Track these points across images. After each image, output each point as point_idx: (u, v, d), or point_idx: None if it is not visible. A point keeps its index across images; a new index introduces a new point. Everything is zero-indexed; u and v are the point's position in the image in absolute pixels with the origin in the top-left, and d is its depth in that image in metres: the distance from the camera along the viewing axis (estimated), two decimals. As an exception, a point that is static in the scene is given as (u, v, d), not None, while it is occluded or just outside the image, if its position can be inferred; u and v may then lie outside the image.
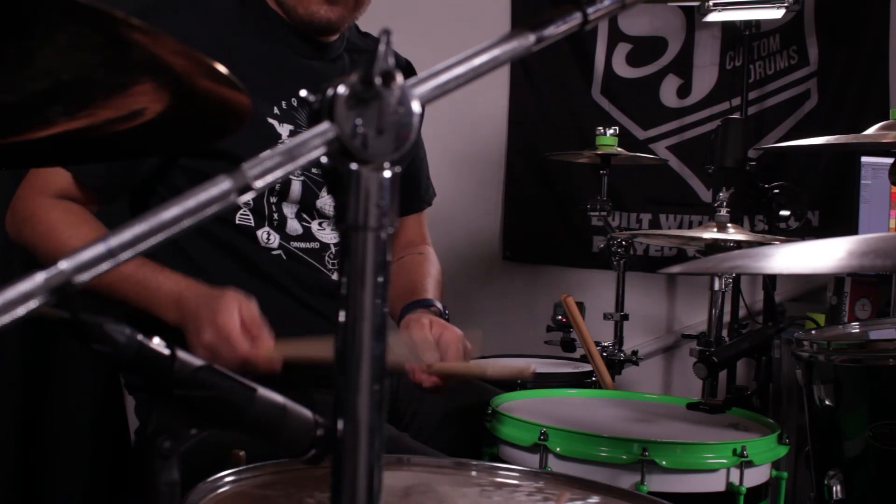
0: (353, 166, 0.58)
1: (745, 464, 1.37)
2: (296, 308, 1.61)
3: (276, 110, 1.60)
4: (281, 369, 1.33)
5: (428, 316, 1.54)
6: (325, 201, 1.65)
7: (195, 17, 1.57)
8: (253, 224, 1.59)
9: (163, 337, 0.64)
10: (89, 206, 1.59)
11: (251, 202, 1.58)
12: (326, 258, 1.65)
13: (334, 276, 1.63)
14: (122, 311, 1.55)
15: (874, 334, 1.72)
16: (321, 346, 1.26)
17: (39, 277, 0.49)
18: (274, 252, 1.60)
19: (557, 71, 3.45)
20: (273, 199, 1.61)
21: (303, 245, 1.63)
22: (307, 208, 1.64)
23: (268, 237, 1.60)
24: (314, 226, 1.65)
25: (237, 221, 1.58)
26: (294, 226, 1.63)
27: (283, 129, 1.60)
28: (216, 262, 1.59)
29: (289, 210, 1.62)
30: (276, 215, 1.61)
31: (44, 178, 1.56)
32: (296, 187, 1.62)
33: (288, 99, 1.62)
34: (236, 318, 1.33)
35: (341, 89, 0.57)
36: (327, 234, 1.65)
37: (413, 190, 1.87)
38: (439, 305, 1.62)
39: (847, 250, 1.06)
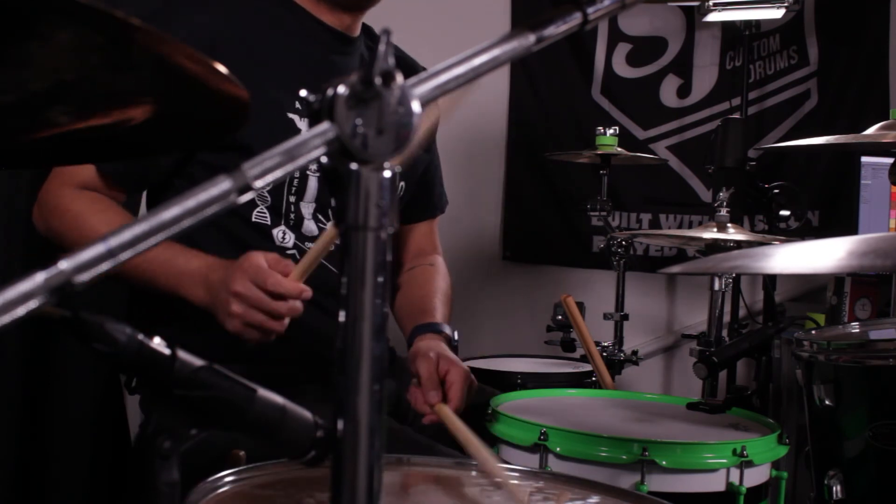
0: (353, 166, 0.58)
1: (745, 464, 1.37)
2: (307, 308, 1.61)
3: (297, 104, 1.61)
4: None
5: (437, 347, 1.56)
6: None
7: (220, 14, 1.58)
8: (269, 222, 1.60)
9: (163, 337, 0.64)
10: (113, 199, 1.61)
11: (268, 199, 1.59)
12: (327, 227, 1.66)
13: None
14: (122, 311, 1.56)
15: (874, 334, 1.72)
16: (319, 244, 1.37)
17: (39, 277, 0.49)
18: (288, 251, 1.61)
19: (557, 71, 3.44)
20: (292, 199, 1.61)
21: None
22: (322, 208, 1.64)
23: (283, 236, 1.61)
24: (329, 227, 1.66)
25: (254, 219, 1.59)
26: (310, 226, 1.63)
27: (303, 124, 1.61)
28: (231, 258, 1.59)
29: (306, 210, 1.63)
30: (293, 214, 1.62)
31: (69, 172, 1.58)
32: (312, 184, 1.62)
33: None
34: (262, 259, 1.36)
35: (341, 89, 0.57)
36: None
37: (427, 197, 1.88)
38: (448, 331, 1.64)
39: (847, 250, 1.06)
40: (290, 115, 1.60)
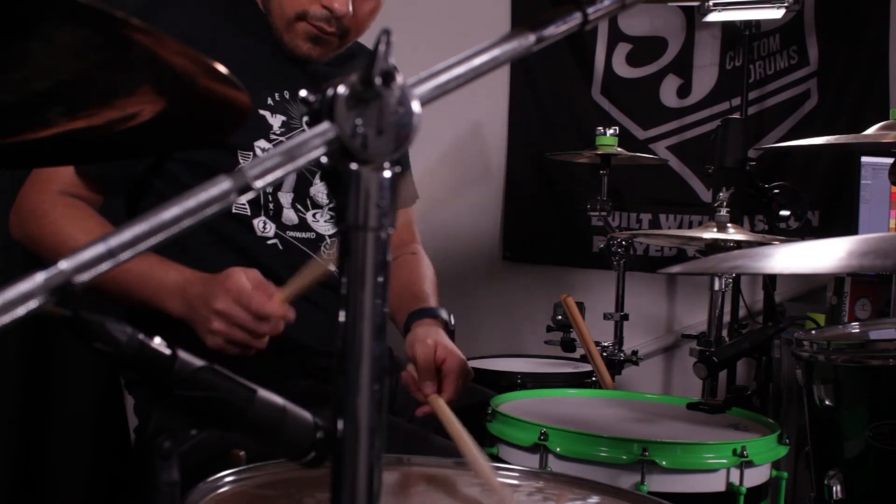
0: (353, 166, 0.58)
1: (745, 464, 1.37)
2: (298, 301, 1.62)
3: (269, 101, 1.64)
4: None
5: (435, 333, 1.56)
6: (318, 189, 1.68)
7: (189, 15, 1.62)
8: (249, 213, 1.62)
9: (164, 337, 0.64)
10: (93, 200, 1.61)
11: None
12: (322, 249, 1.67)
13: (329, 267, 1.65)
14: (123, 311, 1.55)
15: (874, 334, 1.72)
16: (311, 270, 1.33)
17: (39, 277, 0.49)
18: (270, 241, 1.63)
19: (557, 71, 3.44)
20: (269, 189, 1.63)
21: (298, 235, 1.65)
22: (301, 197, 1.67)
23: (264, 226, 1.62)
24: (309, 216, 1.67)
25: (233, 210, 1.60)
26: (290, 215, 1.65)
27: (276, 120, 1.64)
28: (211, 250, 1.60)
29: (285, 199, 1.65)
30: (272, 205, 1.64)
31: (47, 175, 1.57)
32: (290, 175, 1.64)
33: (280, 91, 1.66)
34: (245, 279, 1.36)
35: (341, 89, 0.57)
36: (322, 225, 1.68)
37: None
38: (444, 315, 1.64)
39: (847, 250, 1.06)
40: (262, 112, 1.63)
